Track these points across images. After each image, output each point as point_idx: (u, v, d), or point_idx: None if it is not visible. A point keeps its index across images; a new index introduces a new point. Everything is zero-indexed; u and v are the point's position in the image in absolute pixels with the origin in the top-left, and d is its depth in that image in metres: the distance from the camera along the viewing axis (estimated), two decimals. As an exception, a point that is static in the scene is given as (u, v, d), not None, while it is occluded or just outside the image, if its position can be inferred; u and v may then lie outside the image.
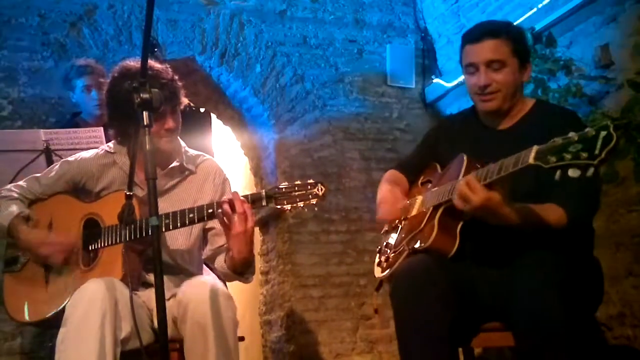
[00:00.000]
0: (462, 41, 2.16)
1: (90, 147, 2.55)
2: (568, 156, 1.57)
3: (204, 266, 2.48)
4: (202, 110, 5.04)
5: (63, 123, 3.50)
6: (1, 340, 3.58)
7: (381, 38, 4.83)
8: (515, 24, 3.79)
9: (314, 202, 1.98)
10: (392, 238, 2.21)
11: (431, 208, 2.06)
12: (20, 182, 2.35)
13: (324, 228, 4.46)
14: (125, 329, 1.94)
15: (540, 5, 3.71)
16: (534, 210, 1.90)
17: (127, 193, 1.85)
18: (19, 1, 3.94)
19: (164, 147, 2.20)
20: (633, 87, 2.86)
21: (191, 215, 2.07)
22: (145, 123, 1.68)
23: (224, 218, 2.02)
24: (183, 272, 2.27)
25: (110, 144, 2.37)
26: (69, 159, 2.37)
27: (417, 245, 2.03)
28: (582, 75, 3.41)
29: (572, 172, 1.56)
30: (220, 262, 2.25)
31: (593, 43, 3.39)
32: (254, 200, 2.03)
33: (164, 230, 2.07)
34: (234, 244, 2.05)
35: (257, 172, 4.98)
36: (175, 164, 2.29)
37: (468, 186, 1.81)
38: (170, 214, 2.08)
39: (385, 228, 2.30)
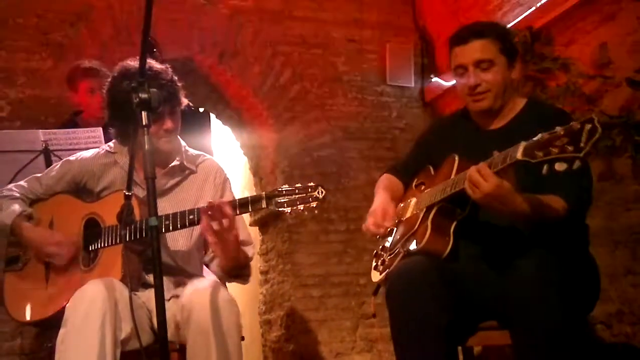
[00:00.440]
0: (449, 44, 2.18)
1: (89, 147, 2.55)
2: (555, 150, 1.58)
3: (204, 267, 2.48)
4: (201, 110, 5.03)
5: (63, 122, 3.50)
6: (1, 340, 3.58)
7: (380, 37, 4.83)
8: (513, 23, 3.84)
9: (314, 205, 1.98)
10: (388, 241, 2.22)
11: (424, 209, 2.07)
12: (21, 182, 2.34)
13: (324, 227, 4.47)
14: (125, 329, 1.94)
15: (538, 4, 3.72)
16: (542, 199, 1.89)
17: (126, 193, 1.85)
18: (16, 1, 3.93)
19: (163, 147, 2.20)
20: (631, 85, 2.87)
21: (191, 217, 2.06)
22: (143, 123, 1.68)
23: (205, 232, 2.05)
24: (183, 273, 2.26)
25: (111, 143, 2.36)
26: (70, 158, 2.36)
27: (411, 246, 2.04)
28: (581, 74, 3.42)
29: (559, 166, 1.57)
30: (214, 266, 2.27)
31: (591, 42, 3.40)
32: (253, 201, 2.01)
33: (163, 231, 2.07)
34: (217, 251, 2.10)
35: (257, 171, 4.98)
36: (175, 162, 2.29)
37: (479, 172, 1.81)
38: (170, 215, 2.07)
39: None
